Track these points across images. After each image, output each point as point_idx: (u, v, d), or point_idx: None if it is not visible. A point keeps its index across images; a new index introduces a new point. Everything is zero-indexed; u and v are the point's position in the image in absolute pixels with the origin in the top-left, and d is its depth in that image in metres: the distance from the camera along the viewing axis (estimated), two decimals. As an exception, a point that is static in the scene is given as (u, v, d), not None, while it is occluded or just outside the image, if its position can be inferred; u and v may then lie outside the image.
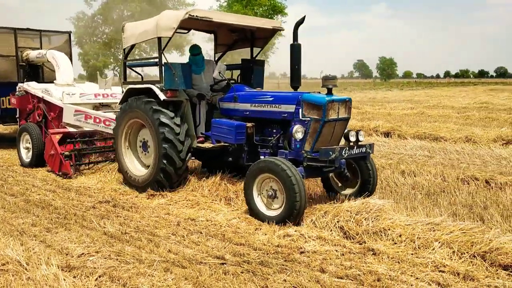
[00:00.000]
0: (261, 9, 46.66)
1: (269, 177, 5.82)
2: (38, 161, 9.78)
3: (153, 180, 7.25)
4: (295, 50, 6.41)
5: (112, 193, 7.61)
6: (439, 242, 4.74)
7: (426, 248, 4.76)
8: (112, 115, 9.01)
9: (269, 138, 6.81)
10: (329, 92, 6.08)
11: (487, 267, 4.36)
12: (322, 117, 5.95)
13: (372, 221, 5.26)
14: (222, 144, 7.27)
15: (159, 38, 7.26)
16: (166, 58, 7.25)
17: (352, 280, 4.25)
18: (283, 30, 7.99)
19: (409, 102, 29.27)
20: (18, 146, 10.29)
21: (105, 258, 4.82)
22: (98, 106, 10.21)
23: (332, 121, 6.05)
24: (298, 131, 6.06)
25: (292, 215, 5.53)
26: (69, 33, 13.72)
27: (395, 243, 4.96)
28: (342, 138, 6.36)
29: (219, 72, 7.68)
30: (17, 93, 11.08)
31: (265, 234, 5.46)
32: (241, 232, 5.60)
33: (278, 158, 5.92)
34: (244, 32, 8.29)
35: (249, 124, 6.83)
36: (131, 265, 4.64)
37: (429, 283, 4.17)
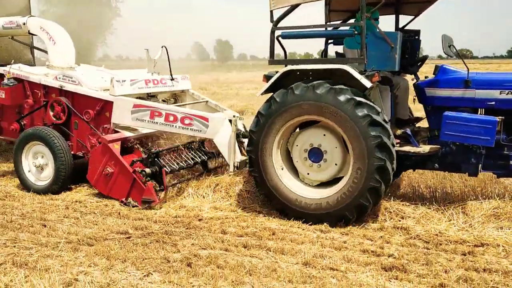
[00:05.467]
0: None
1: None
2: (64, 185, 6.53)
3: (350, 206, 4.98)
4: None
5: (-24, 184, 7.05)
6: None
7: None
8: (190, 110, 6.56)
9: None
10: None
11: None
12: None
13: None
14: (437, 147, 5.45)
15: None
16: (376, 25, 5.29)
17: (252, 237, 4.86)
18: None
19: (251, 83, 31.04)
20: (18, 164, 6.76)
21: (-1, 247, 4.66)
22: (144, 98, 7.12)
23: None
24: None
25: None
26: None
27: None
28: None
29: (449, 46, 5.34)
30: (5, 82, 7.23)
31: (161, 208, 5.76)
32: (136, 209, 5.80)
33: None
34: None
35: (498, 119, 5.05)
36: (33, 249, 4.57)
37: (314, 231, 4.99)
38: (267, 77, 5.51)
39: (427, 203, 5.53)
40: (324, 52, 6.58)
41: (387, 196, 5.61)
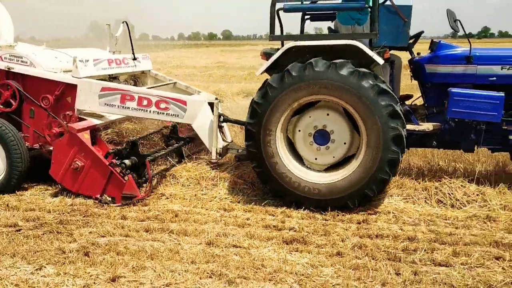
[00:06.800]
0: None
1: None
2: (19, 182, 5.65)
3: (354, 193, 4.78)
4: None
5: None
6: (221, 179, 5.57)
7: (213, 187, 5.52)
8: (165, 92, 5.81)
9: None
10: None
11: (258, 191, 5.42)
12: None
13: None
14: (438, 124, 5.30)
15: None
16: None
17: (153, 220, 4.74)
18: None
19: (153, 63, 30.09)
20: None
21: None
22: (106, 80, 6.17)
23: None
24: None
25: None
26: None
27: (183, 186, 5.59)
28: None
29: (455, 20, 5.23)
30: None
31: (56, 197, 5.41)
32: (27, 199, 5.41)
33: None
34: None
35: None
36: None
37: (217, 210, 4.99)
38: (266, 55, 5.09)
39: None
40: (301, 28, 6.08)
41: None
